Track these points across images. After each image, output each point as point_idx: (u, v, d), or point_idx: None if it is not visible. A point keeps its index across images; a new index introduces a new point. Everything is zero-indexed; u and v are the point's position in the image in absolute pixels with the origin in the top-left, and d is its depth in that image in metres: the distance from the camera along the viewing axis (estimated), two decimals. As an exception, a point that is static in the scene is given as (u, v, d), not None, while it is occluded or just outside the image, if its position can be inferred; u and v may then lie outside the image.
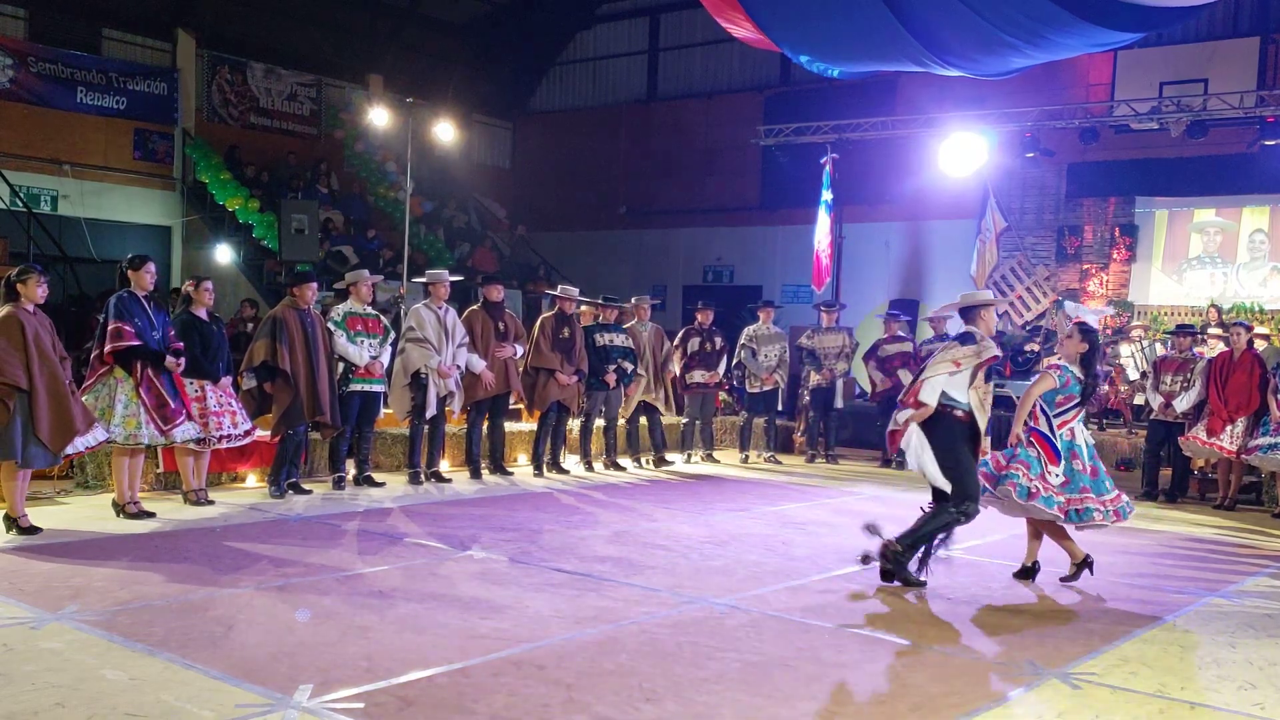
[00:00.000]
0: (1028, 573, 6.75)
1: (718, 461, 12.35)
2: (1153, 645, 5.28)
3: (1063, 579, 6.67)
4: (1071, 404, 6.62)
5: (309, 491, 8.97)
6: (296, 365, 8.63)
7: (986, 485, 6.60)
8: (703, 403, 12.40)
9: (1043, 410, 6.64)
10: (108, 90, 17.70)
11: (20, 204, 15.38)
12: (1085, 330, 6.71)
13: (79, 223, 16.74)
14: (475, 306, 10.49)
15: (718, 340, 12.34)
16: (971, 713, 4.25)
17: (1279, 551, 8.05)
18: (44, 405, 6.74)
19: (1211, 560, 7.63)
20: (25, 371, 6.70)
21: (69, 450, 7.01)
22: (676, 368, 12.16)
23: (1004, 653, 5.06)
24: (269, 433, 8.88)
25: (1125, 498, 6.74)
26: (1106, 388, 14.22)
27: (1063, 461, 6.55)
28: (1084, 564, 6.65)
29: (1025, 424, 6.67)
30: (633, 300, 12.06)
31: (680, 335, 12.40)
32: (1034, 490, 6.43)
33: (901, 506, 9.41)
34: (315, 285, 9.05)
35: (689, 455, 12.36)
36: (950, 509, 6.28)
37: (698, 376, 12.17)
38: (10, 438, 6.67)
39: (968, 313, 6.61)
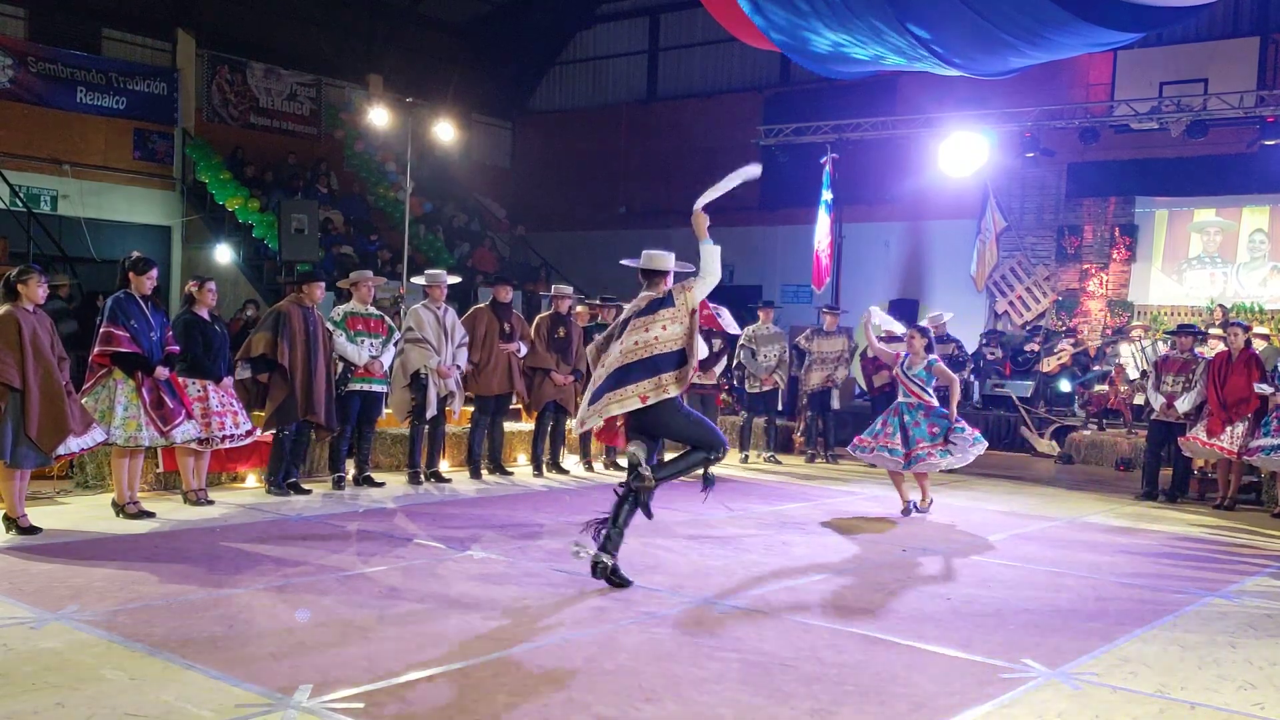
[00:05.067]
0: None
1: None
2: (1153, 645, 5.28)
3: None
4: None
5: (309, 491, 8.97)
6: (295, 362, 8.63)
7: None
8: (703, 403, 12.39)
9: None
10: (108, 90, 17.71)
11: (20, 204, 15.39)
12: (923, 331, 9.01)
13: (79, 223, 16.75)
14: (483, 305, 10.49)
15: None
16: (971, 713, 4.25)
17: (1279, 551, 8.05)
18: (36, 405, 6.73)
19: (1211, 560, 7.63)
20: (19, 371, 6.69)
21: (63, 451, 6.99)
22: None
23: (1004, 653, 5.06)
24: (261, 428, 8.88)
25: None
26: (1106, 388, 14.23)
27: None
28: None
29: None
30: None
31: None
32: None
33: (900, 506, 9.42)
34: (323, 285, 9.07)
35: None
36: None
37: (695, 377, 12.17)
38: (0, 438, 6.67)
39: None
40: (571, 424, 11.39)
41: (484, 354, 10.11)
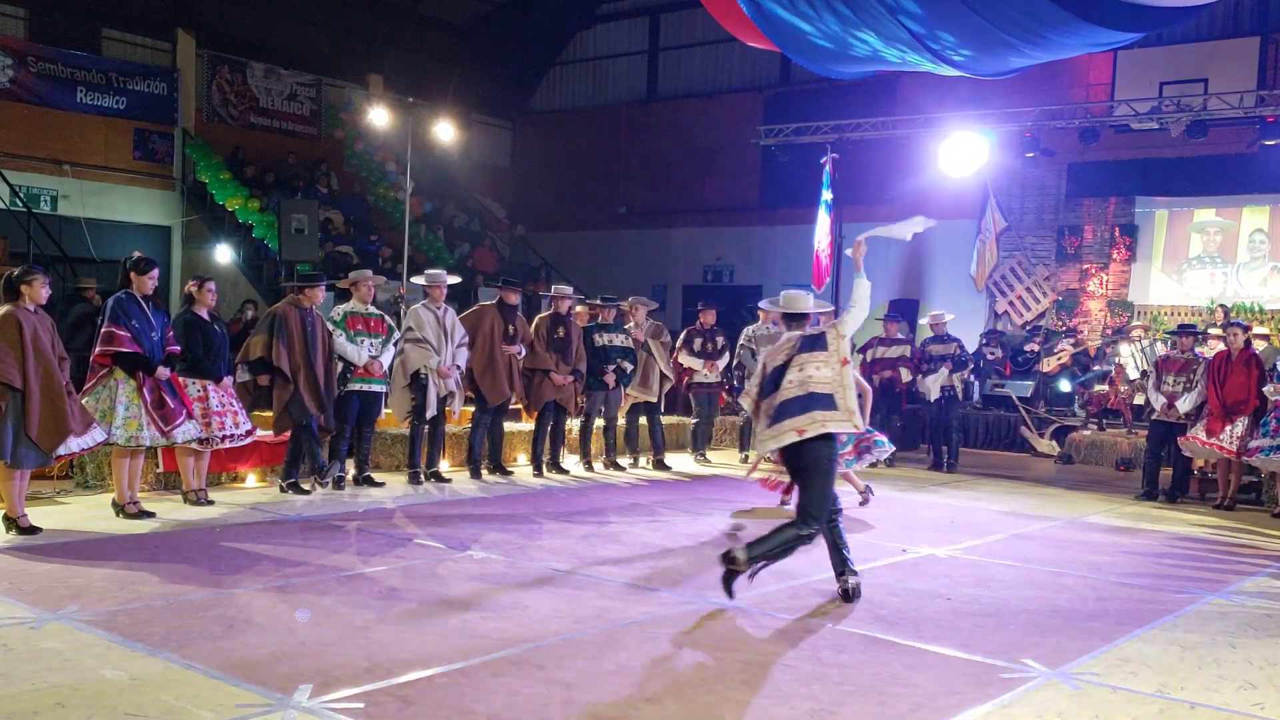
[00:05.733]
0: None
1: (709, 462, 12.31)
2: (1153, 645, 5.28)
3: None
4: None
5: (309, 491, 8.98)
6: (295, 364, 8.64)
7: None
8: (707, 402, 12.42)
9: None
10: (108, 90, 17.71)
11: (20, 204, 15.38)
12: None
13: (79, 223, 16.74)
14: (489, 303, 10.48)
15: (719, 340, 12.35)
16: (971, 713, 4.25)
17: (1279, 551, 8.05)
18: (37, 405, 6.74)
19: (1211, 560, 7.63)
20: (20, 370, 6.69)
21: (63, 451, 7.00)
22: (688, 363, 12.14)
23: (1004, 653, 5.06)
24: (271, 431, 8.90)
25: None
26: (1106, 388, 14.24)
27: None
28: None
29: None
30: (629, 300, 12.04)
31: (683, 336, 12.41)
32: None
33: (901, 506, 9.42)
34: (323, 288, 9.07)
35: (698, 455, 12.33)
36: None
37: (699, 374, 12.19)
38: (1, 438, 6.67)
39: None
40: (571, 423, 11.41)
41: (486, 353, 10.11)
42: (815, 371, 5.82)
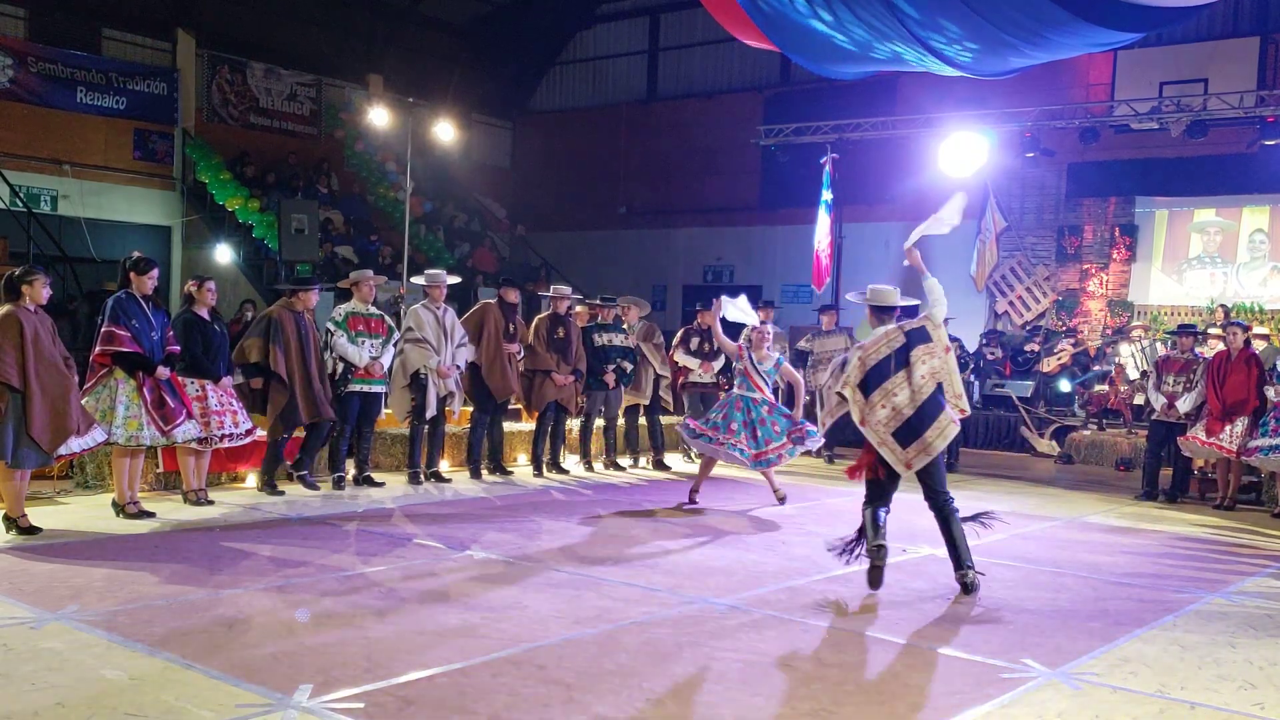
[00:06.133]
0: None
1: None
2: (1153, 645, 5.28)
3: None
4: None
5: (318, 488, 9.00)
6: (291, 367, 8.64)
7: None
8: (704, 402, 12.39)
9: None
10: (108, 90, 17.72)
11: (20, 204, 15.38)
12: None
13: (79, 223, 16.75)
14: (490, 301, 10.49)
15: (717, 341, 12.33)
16: (971, 713, 4.25)
17: (1279, 551, 8.05)
18: (38, 405, 6.73)
19: (1211, 560, 7.63)
20: (20, 371, 6.69)
21: (64, 451, 6.99)
22: (683, 361, 12.13)
23: (1004, 653, 5.06)
24: (267, 433, 8.91)
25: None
26: (1106, 388, 14.24)
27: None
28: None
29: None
30: (623, 300, 12.02)
31: (680, 335, 12.39)
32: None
33: (901, 506, 9.42)
34: (317, 292, 9.08)
35: (686, 455, 12.35)
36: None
37: (695, 374, 12.17)
38: (1, 438, 6.67)
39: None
40: (571, 423, 11.41)
41: (492, 350, 10.11)
42: (931, 364, 6.09)
